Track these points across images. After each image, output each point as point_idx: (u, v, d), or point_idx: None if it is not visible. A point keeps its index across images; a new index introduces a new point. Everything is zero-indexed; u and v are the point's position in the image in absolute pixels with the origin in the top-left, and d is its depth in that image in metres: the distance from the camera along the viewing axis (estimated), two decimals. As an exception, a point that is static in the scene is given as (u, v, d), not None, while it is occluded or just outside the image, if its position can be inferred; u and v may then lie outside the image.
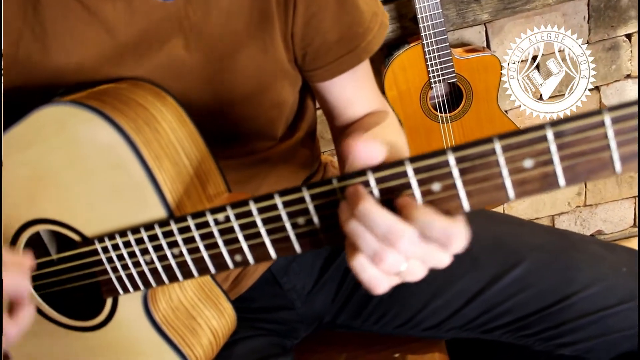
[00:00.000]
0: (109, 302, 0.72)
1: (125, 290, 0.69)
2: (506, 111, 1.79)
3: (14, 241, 0.73)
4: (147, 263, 0.66)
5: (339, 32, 0.81)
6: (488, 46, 1.85)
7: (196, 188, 0.69)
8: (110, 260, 0.68)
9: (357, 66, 0.86)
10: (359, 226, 0.52)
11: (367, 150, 0.53)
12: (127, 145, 0.63)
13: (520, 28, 1.77)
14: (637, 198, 2.09)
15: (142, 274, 0.67)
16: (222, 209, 0.61)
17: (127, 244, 0.66)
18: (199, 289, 0.78)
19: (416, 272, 0.54)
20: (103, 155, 0.64)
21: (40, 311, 0.77)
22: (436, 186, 0.53)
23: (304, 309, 0.95)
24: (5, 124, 0.69)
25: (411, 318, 0.91)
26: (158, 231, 0.64)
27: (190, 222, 0.62)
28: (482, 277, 0.87)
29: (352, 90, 0.90)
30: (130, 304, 0.71)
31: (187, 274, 0.66)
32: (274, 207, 0.59)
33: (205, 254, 0.64)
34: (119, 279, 0.69)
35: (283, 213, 0.58)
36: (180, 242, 0.64)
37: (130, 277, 0.68)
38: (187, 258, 0.64)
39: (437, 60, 1.61)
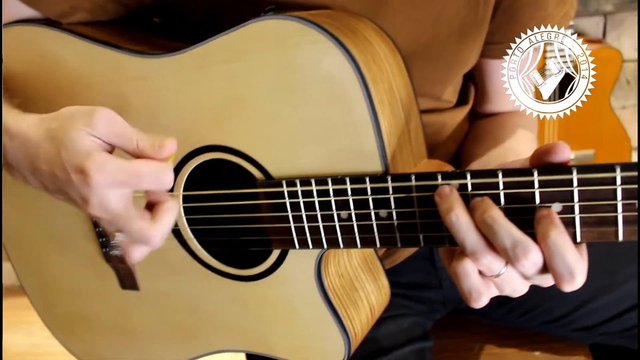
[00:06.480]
0: (275, 254, 0.63)
1: (303, 245, 0.60)
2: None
3: (181, 165, 0.65)
4: (341, 219, 0.58)
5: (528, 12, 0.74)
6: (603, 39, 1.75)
7: (407, 146, 0.60)
8: (295, 207, 0.59)
9: None
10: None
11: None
12: (357, 80, 0.54)
13: (642, 25, 1.69)
14: None
15: (330, 231, 0.58)
16: (458, 175, 0.52)
17: (322, 193, 0.57)
18: (363, 260, 0.69)
19: (519, 290, 0.52)
20: (324, 85, 0.55)
21: (188, 249, 0.68)
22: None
23: (450, 290, 0.88)
24: (192, 40, 0.61)
25: (564, 316, 0.83)
26: (368, 186, 0.55)
27: (413, 183, 0.53)
28: None
29: None
30: (300, 261, 0.62)
31: (386, 241, 0.57)
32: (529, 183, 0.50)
33: (419, 222, 0.55)
34: (300, 230, 0.60)
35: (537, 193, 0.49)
36: (392, 204, 0.55)
37: (314, 231, 0.59)
38: (395, 223, 0.55)
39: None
